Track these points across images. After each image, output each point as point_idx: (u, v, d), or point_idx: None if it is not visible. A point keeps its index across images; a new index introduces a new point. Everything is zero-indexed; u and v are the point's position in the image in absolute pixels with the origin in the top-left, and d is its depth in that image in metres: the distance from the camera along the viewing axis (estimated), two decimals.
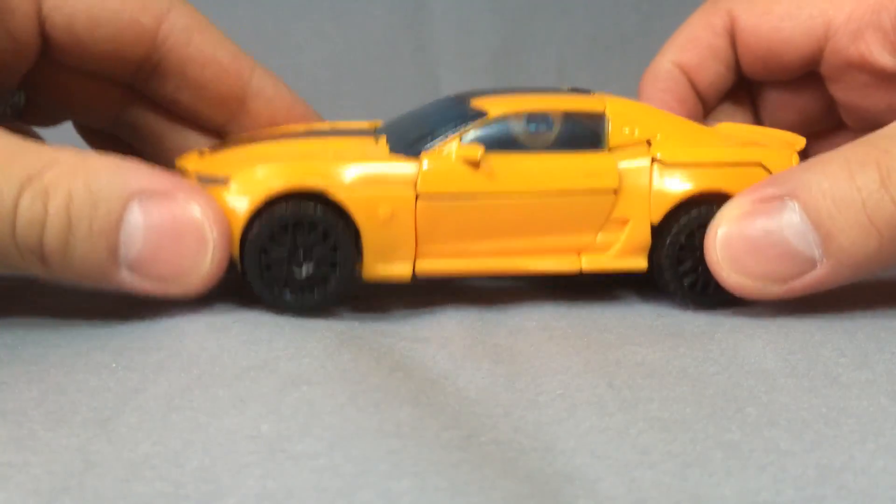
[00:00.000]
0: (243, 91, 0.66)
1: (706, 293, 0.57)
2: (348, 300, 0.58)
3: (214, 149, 0.60)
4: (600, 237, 0.57)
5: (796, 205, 0.53)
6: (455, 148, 0.55)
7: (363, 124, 0.65)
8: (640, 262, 0.58)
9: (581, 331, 0.55)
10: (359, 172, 0.54)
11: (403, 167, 0.55)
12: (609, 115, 0.58)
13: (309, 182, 0.53)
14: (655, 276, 0.58)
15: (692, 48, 0.72)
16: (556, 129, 0.57)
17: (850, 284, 0.60)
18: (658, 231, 0.57)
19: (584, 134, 0.57)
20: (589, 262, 0.57)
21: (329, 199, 0.53)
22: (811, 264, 0.53)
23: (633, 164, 0.57)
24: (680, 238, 0.57)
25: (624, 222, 0.57)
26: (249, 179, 0.53)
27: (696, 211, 0.57)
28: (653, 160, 0.57)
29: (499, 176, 0.55)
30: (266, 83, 0.67)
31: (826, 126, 0.73)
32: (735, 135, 0.64)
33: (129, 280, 0.53)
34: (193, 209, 0.52)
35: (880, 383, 0.46)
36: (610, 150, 0.57)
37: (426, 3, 1.21)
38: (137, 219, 0.51)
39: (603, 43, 1.24)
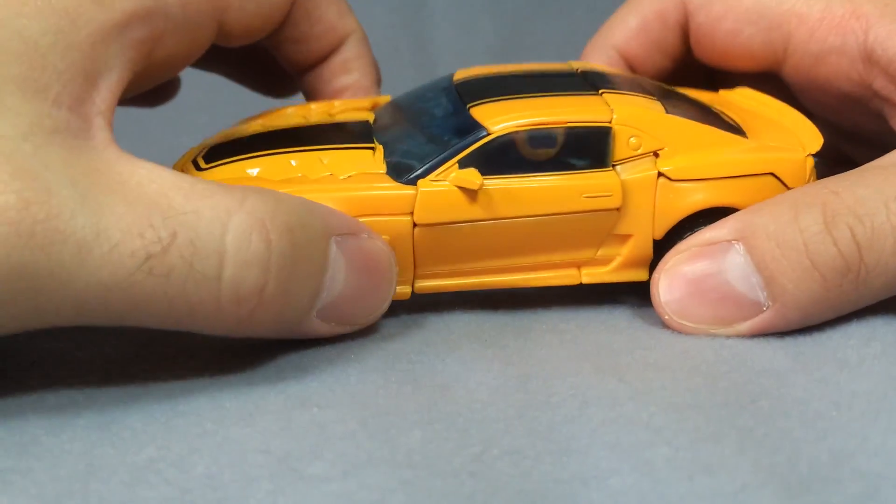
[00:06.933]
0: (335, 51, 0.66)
1: None
2: None
3: (209, 159, 0.57)
4: (601, 252, 0.57)
5: (741, 247, 0.51)
6: (453, 176, 0.54)
7: (364, 106, 0.63)
8: (640, 274, 0.57)
9: (590, 334, 0.54)
10: (354, 202, 0.53)
11: (400, 195, 0.53)
12: (616, 126, 0.56)
13: None
14: None
15: (641, 39, 0.68)
16: (559, 145, 0.56)
17: None
18: (660, 245, 0.57)
19: (588, 150, 0.56)
20: (589, 276, 0.57)
21: None
22: (757, 308, 0.51)
23: (637, 178, 0.56)
24: None
25: (626, 237, 0.57)
26: None
27: (701, 225, 0.56)
28: (658, 174, 0.56)
29: (497, 201, 0.55)
30: (351, 53, 0.66)
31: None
32: (749, 107, 0.62)
33: (316, 326, 0.48)
34: (379, 244, 0.50)
35: (890, 354, 0.46)
36: (614, 165, 0.56)
37: (426, 3, 1.21)
38: (339, 260, 0.48)
39: None
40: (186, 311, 0.43)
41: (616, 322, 0.56)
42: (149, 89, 0.67)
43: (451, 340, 0.53)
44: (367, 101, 0.65)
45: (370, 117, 0.62)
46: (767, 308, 0.51)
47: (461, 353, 0.50)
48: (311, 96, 0.68)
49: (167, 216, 0.42)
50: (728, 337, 0.52)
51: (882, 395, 0.42)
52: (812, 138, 0.59)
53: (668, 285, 0.53)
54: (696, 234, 0.54)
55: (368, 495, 0.36)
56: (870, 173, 0.53)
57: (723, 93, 0.65)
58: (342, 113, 0.64)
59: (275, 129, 0.61)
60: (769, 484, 0.36)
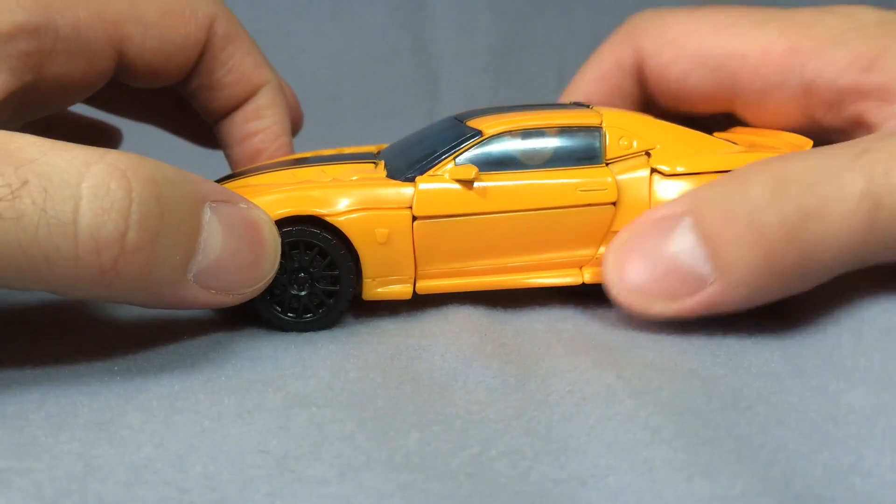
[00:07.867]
0: (249, 100, 0.68)
1: None
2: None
3: (222, 181, 0.61)
4: (602, 250, 0.57)
5: (690, 221, 0.51)
6: (449, 169, 0.56)
7: (369, 148, 0.67)
8: None
9: (588, 332, 0.55)
10: (356, 197, 0.55)
11: (399, 190, 0.55)
12: (606, 127, 0.58)
13: (307, 208, 0.54)
14: None
15: (601, 85, 0.71)
16: (552, 144, 0.57)
17: (861, 287, 0.60)
18: None
19: (581, 148, 0.58)
20: (592, 275, 0.58)
21: (328, 223, 0.54)
22: (702, 282, 0.50)
23: (631, 176, 0.57)
24: None
25: None
26: None
27: None
28: (652, 171, 0.57)
29: (494, 195, 0.56)
30: (264, 101, 0.68)
31: None
32: (744, 139, 0.64)
33: (195, 292, 0.48)
34: (260, 213, 0.51)
35: (889, 370, 0.45)
36: (607, 163, 0.57)
37: (426, 3, 1.21)
38: (215, 223, 0.48)
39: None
40: (44, 261, 0.43)
41: (614, 320, 0.56)
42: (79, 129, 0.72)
43: (451, 335, 0.53)
44: (374, 147, 0.68)
45: (376, 149, 0.66)
46: (713, 282, 0.50)
47: (460, 349, 0.50)
48: (225, 142, 0.70)
49: (19, 166, 0.42)
50: (725, 335, 0.52)
51: (878, 411, 0.41)
52: (802, 142, 0.61)
53: (615, 260, 0.53)
54: (649, 210, 0.54)
55: (366, 499, 0.35)
56: (827, 147, 0.52)
57: (717, 134, 0.67)
58: (351, 149, 0.68)
59: (283, 159, 0.66)
60: (767, 495, 0.35)
